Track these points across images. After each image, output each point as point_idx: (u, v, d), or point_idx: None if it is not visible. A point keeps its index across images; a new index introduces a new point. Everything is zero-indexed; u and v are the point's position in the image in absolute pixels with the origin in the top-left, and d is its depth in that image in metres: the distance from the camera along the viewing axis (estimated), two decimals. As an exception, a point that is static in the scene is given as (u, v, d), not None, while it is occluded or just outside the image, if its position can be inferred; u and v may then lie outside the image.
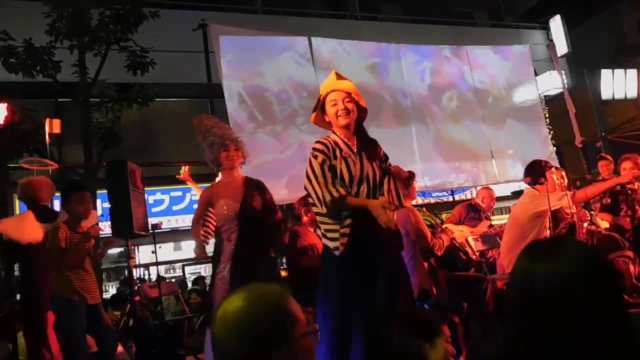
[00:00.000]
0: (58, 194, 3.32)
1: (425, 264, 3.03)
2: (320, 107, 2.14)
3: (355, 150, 2.05)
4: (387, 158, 2.16)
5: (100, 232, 3.49)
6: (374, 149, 2.09)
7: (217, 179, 2.84)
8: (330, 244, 1.99)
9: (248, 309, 0.75)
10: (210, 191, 2.68)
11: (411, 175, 2.17)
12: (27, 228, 2.69)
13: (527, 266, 0.81)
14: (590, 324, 0.72)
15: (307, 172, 2.03)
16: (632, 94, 9.76)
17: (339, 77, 2.15)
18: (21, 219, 2.85)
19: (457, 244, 3.76)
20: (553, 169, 3.25)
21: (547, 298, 0.74)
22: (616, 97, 9.76)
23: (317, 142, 2.08)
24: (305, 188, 2.03)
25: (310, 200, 2.06)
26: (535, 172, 3.21)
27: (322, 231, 2.04)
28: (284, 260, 4.07)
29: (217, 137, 2.64)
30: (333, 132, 2.12)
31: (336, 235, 1.96)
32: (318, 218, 2.07)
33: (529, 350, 0.73)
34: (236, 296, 0.78)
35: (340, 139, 2.08)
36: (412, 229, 2.94)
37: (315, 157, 2.01)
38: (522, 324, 0.76)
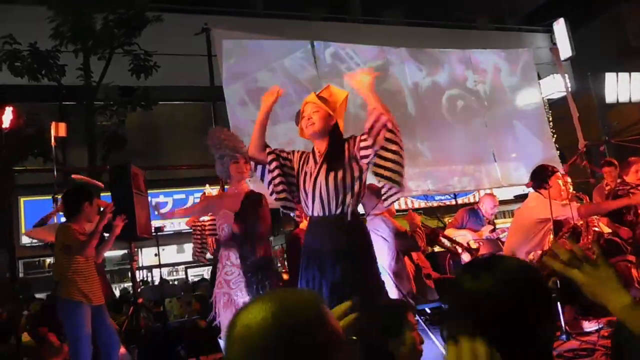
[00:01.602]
0: (59, 197, 3.36)
1: (411, 265, 3.06)
2: (301, 120, 2.20)
3: (318, 161, 2.08)
4: (355, 144, 2.07)
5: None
6: (338, 157, 2.06)
7: (209, 191, 2.87)
8: None
9: (277, 325, 0.58)
10: (217, 199, 2.80)
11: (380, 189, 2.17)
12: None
13: (466, 282, 0.81)
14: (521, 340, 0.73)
15: None
16: (636, 97, 9.73)
17: (328, 88, 2.19)
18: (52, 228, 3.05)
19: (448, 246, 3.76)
20: (559, 174, 3.22)
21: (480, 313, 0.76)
22: (620, 100, 9.73)
23: (300, 150, 2.22)
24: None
25: None
26: (539, 177, 3.20)
27: None
28: (285, 264, 4.08)
29: (228, 149, 2.68)
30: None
31: None
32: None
33: None
34: (260, 307, 0.60)
35: (314, 150, 2.14)
36: (388, 234, 3.00)
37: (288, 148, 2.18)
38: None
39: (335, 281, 1.94)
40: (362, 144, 2.02)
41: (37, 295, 6.21)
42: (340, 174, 2.02)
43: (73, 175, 3.37)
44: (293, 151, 2.22)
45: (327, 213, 2.02)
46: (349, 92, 2.21)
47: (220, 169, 2.71)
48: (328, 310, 0.65)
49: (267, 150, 2.17)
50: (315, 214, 2.06)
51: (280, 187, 2.14)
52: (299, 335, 0.59)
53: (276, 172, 2.14)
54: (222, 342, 2.71)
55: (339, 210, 2.01)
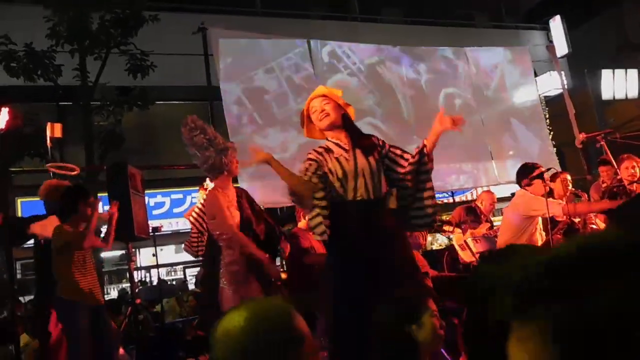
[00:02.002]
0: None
1: None
2: (307, 120, 2.20)
3: (347, 148, 2.08)
4: (384, 147, 2.15)
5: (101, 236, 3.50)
6: (368, 143, 2.12)
7: (211, 185, 2.85)
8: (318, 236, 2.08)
9: (250, 328, 0.71)
10: (223, 197, 2.70)
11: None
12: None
13: (481, 272, 0.82)
14: None
15: None
16: (632, 93, 9.75)
17: (321, 89, 2.22)
18: (50, 221, 2.99)
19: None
20: (542, 169, 3.25)
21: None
22: (617, 97, 9.75)
23: (310, 152, 2.14)
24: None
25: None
26: (522, 175, 3.26)
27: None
28: (284, 262, 4.08)
29: (223, 143, 2.67)
30: (327, 139, 2.17)
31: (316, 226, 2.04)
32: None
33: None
34: (237, 314, 0.74)
35: (332, 142, 2.13)
36: None
37: (306, 162, 2.08)
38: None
39: (391, 265, 1.96)
40: (396, 155, 2.11)
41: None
42: (376, 155, 2.09)
43: (47, 165, 3.35)
44: (310, 161, 2.12)
45: (371, 196, 2.03)
46: (342, 91, 2.23)
47: (218, 162, 2.64)
48: (295, 313, 0.76)
49: (310, 179, 2.06)
50: (359, 197, 2.03)
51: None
52: (268, 336, 0.71)
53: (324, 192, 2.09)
54: None
55: (380, 193, 2.04)
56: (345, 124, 2.13)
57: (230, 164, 2.67)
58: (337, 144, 2.11)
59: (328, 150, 2.11)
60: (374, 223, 2.00)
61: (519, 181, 3.29)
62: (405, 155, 2.12)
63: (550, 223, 3.19)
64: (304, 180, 2.03)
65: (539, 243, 3.17)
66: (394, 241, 2.03)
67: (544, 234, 3.28)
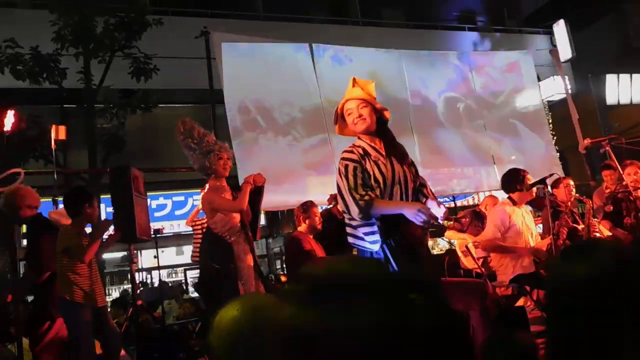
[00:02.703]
0: (62, 199, 3.37)
1: None
2: (340, 118, 2.18)
3: (383, 153, 2.06)
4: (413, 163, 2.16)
5: (104, 238, 3.53)
6: (402, 152, 2.11)
7: (207, 186, 2.86)
8: (371, 247, 2.00)
9: (240, 318, 0.77)
10: (223, 197, 2.73)
11: None
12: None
13: (561, 270, 0.81)
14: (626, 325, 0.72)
15: (337, 182, 2.05)
16: (638, 98, 9.71)
17: (355, 83, 2.16)
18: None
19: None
20: (528, 176, 3.27)
21: (579, 300, 0.74)
22: (621, 102, 9.72)
23: (345, 151, 2.09)
24: (340, 197, 2.04)
25: (341, 209, 2.09)
26: (510, 180, 3.31)
27: (361, 234, 2.02)
28: (284, 265, 4.08)
29: (212, 144, 2.69)
30: (359, 137, 2.14)
31: (376, 237, 1.98)
32: (350, 226, 2.05)
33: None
34: (232, 306, 0.79)
35: (367, 143, 2.09)
36: None
37: (346, 166, 2.02)
38: (561, 329, 0.75)
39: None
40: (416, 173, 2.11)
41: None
42: (409, 163, 2.08)
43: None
44: (352, 160, 2.07)
45: (408, 199, 2.04)
46: (374, 82, 2.20)
47: (206, 164, 2.67)
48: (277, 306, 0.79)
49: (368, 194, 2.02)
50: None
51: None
52: (255, 326, 0.75)
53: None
54: None
55: (416, 197, 2.05)
56: (380, 129, 2.10)
57: (214, 166, 2.66)
58: (373, 147, 2.08)
59: (365, 151, 2.07)
60: (412, 232, 1.99)
61: (505, 188, 3.36)
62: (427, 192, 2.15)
63: (554, 226, 3.17)
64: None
65: (527, 247, 3.19)
66: (426, 247, 2.07)
67: (535, 235, 3.29)
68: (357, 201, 1.93)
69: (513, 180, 3.25)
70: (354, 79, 2.17)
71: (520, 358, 1.13)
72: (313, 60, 5.51)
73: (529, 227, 3.25)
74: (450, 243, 4.04)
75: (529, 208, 3.51)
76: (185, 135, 2.70)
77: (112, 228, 3.12)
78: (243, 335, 0.75)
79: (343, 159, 2.05)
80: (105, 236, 3.14)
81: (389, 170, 2.02)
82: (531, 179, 3.27)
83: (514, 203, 3.24)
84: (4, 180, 3.50)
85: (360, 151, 2.05)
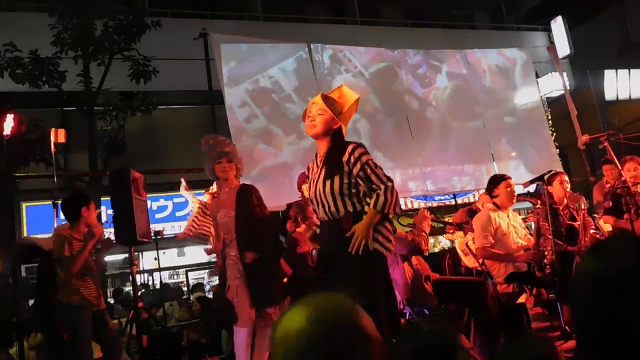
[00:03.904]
0: (59, 202, 3.38)
1: (410, 270, 3.04)
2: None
3: (319, 164, 2.11)
4: (358, 162, 2.01)
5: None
6: (335, 162, 2.04)
7: (211, 190, 2.94)
8: (388, 246, 2.04)
9: (312, 329, 0.64)
10: (213, 203, 2.87)
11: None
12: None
13: (586, 266, 0.80)
14: None
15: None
16: (636, 94, 9.71)
17: (339, 89, 2.18)
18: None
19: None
20: (509, 181, 3.33)
21: (605, 295, 0.74)
22: (620, 97, 9.72)
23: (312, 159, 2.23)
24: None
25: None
26: (489, 185, 3.40)
27: (386, 235, 2.03)
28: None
29: (214, 151, 2.81)
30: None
31: (391, 237, 2.05)
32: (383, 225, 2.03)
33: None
34: (297, 314, 0.66)
35: (317, 153, 2.17)
36: None
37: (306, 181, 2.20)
38: (588, 325, 0.74)
39: (334, 285, 1.95)
40: (367, 175, 2.01)
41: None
42: (337, 179, 2.01)
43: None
44: (304, 177, 2.31)
45: (330, 217, 2.05)
46: (359, 96, 2.20)
47: (208, 170, 2.85)
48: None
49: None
50: (321, 218, 2.13)
51: None
52: (332, 337, 0.64)
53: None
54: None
55: (339, 214, 2.03)
56: (332, 137, 2.09)
57: (211, 170, 2.82)
58: (316, 158, 2.16)
59: (312, 167, 2.19)
60: (332, 244, 2.05)
61: (488, 193, 3.43)
62: (374, 183, 2.01)
63: (554, 225, 3.18)
64: None
65: (516, 246, 3.24)
66: (351, 260, 1.97)
67: (523, 234, 3.32)
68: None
69: (492, 186, 3.34)
70: (341, 87, 2.19)
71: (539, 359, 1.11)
72: (312, 60, 5.52)
73: (515, 227, 3.31)
74: (451, 242, 4.04)
75: (527, 205, 3.54)
76: (208, 147, 2.85)
77: (112, 232, 3.13)
78: (317, 347, 0.63)
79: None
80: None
81: (312, 190, 2.11)
82: (513, 184, 3.34)
83: (498, 207, 3.29)
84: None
85: (312, 164, 2.19)
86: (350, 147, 2.03)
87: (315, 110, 2.10)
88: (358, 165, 1.99)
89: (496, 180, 3.36)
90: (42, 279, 3.22)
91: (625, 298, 0.73)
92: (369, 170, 1.99)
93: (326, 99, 2.10)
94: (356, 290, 1.92)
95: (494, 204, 3.33)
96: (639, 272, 0.75)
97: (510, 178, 3.38)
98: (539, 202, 3.56)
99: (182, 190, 3.39)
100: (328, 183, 2.02)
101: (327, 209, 2.04)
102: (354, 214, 2.01)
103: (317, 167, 2.11)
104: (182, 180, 3.29)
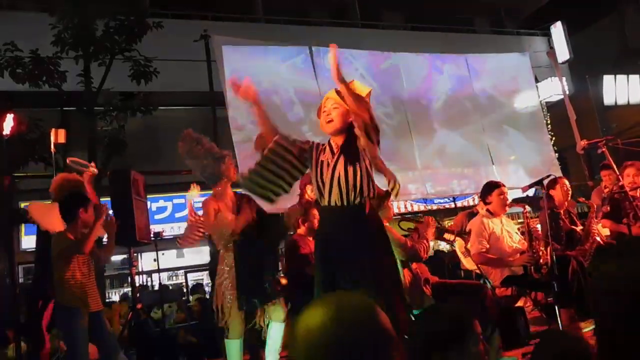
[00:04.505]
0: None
1: (409, 274, 3.05)
2: (320, 114, 2.22)
3: (336, 153, 2.09)
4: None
5: (104, 240, 3.53)
6: (354, 152, 2.09)
7: (214, 191, 2.91)
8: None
9: (334, 328, 0.65)
10: (215, 203, 2.81)
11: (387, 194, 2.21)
12: (53, 219, 2.84)
13: (606, 268, 0.80)
14: None
15: None
16: (635, 99, 9.75)
17: (352, 83, 2.15)
18: (51, 207, 2.99)
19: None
20: (502, 189, 3.38)
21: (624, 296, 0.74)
22: (619, 102, 9.75)
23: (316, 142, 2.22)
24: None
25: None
26: (482, 192, 3.45)
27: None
28: (284, 268, 4.09)
29: (220, 152, 2.82)
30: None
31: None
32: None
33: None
34: (319, 312, 0.67)
35: (330, 144, 2.15)
36: None
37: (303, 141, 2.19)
38: (611, 325, 0.75)
39: (355, 271, 1.95)
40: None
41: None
42: (357, 165, 2.05)
43: (68, 160, 3.39)
44: (308, 141, 2.23)
45: (345, 202, 2.03)
46: (371, 89, 2.21)
47: (216, 171, 2.79)
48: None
49: (275, 138, 2.15)
50: (333, 203, 2.06)
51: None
52: (353, 335, 0.65)
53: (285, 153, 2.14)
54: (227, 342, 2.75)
55: (357, 201, 2.03)
56: (349, 131, 2.11)
57: (227, 171, 2.80)
58: (330, 147, 2.13)
59: (324, 150, 2.14)
60: (347, 229, 2.03)
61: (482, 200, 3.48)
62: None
63: (555, 229, 3.20)
64: (272, 134, 2.12)
65: (510, 250, 3.26)
66: (372, 248, 2.02)
67: (517, 239, 3.35)
68: None
69: (485, 194, 3.39)
70: (352, 82, 2.17)
71: (571, 354, 1.11)
72: (313, 63, 5.53)
73: (509, 232, 3.36)
74: (451, 245, 4.05)
75: (524, 210, 3.57)
76: (195, 144, 2.79)
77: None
78: (338, 347, 0.64)
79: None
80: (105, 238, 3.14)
81: (329, 173, 2.06)
82: (506, 191, 3.38)
83: (492, 214, 3.32)
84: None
85: (319, 147, 2.16)
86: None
87: (330, 105, 2.11)
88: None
89: (490, 188, 3.40)
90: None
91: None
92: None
93: (339, 92, 2.11)
94: (375, 277, 1.94)
95: (487, 210, 3.36)
96: None
97: (503, 185, 3.43)
98: (526, 206, 3.59)
99: (193, 195, 3.40)
100: (350, 169, 2.03)
101: (344, 193, 2.02)
102: (371, 202, 2.06)
103: (333, 153, 2.09)
104: (193, 187, 3.31)
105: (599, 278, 0.83)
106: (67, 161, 3.42)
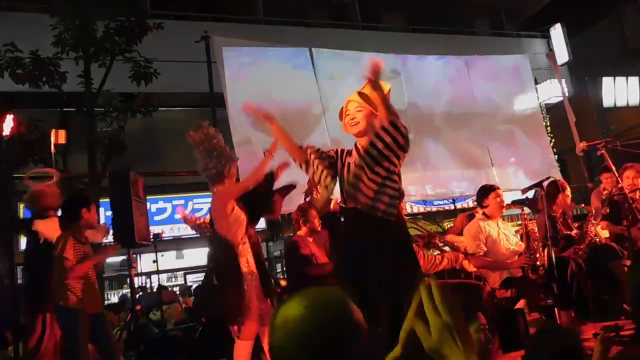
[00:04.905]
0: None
1: None
2: (344, 116, 2.23)
3: (362, 154, 2.11)
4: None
5: (103, 241, 3.54)
6: (377, 153, 2.09)
7: (219, 189, 2.89)
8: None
9: (310, 316, 0.71)
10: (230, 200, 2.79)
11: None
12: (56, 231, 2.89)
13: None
14: None
15: None
16: (634, 101, 9.77)
17: (367, 85, 2.15)
18: (53, 221, 3.05)
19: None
20: (498, 191, 3.39)
21: None
22: (618, 104, 9.77)
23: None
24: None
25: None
26: (478, 196, 3.46)
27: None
28: (284, 269, 4.09)
29: (230, 154, 2.83)
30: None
31: None
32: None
33: None
34: (296, 302, 0.73)
35: (356, 146, 2.17)
36: None
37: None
38: None
39: (381, 271, 1.96)
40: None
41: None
42: (383, 164, 2.07)
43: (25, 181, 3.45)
44: (333, 149, 2.30)
45: (359, 205, 2.06)
46: (391, 85, 2.21)
47: (226, 169, 2.74)
48: (352, 304, 0.77)
49: (306, 150, 2.24)
50: (359, 206, 2.07)
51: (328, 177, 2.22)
52: (327, 324, 0.71)
53: (319, 164, 2.23)
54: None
55: (371, 201, 2.05)
56: (373, 132, 2.12)
57: (230, 175, 2.78)
58: (357, 149, 2.15)
59: (349, 153, 2.17)
60: (364, 230, 2.04)
61: (478, 204, 3.49)
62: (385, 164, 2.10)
63: (552, 230, 3.20)
64: (300, 149, 2.19)
65: (507, 252, 3.28)
66: (384, 243, 2.03)
67: (514, 241, 3.35)
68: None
69: (482, 197, 3.40)
70: (370, 80, 2.11)
71: (564, 350, 1.15)
72: (313, 65, 5.53)
73: (506, 235, 3.37)
74: (448, 245, 4.06)
75: (522, 211, 3.58)
76: (212, 139, 2.76)
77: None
78: (311, 335, 0.70)
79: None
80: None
81: (352, 173, 2.10)
82: (502, 194, 3.41)
83: (488, 217, 3.33)
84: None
85: (345, 151, 2.20)
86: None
87: (354, 108, 2.12)
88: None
89: (486, 191, 3.41)
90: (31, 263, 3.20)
91: None
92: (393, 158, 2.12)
93: (362, 94, 2.14)
94: (399, 278, 1.95)
95: (484, 213, 3.37)
96: None
97: (499, 188, 3.45)
98: (525, 208, 3.60)
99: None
100: (377, 169, 2.06)
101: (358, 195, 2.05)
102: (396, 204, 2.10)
103: (360, 156, 2.11)
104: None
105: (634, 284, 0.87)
106: (25, 182, 3.46)
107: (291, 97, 5.37)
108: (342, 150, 2.23)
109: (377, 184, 2.05)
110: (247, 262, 2.68)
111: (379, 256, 1.99)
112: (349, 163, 2.13)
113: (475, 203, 3.56)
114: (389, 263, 1.98)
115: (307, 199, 3.61)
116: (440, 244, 3.45)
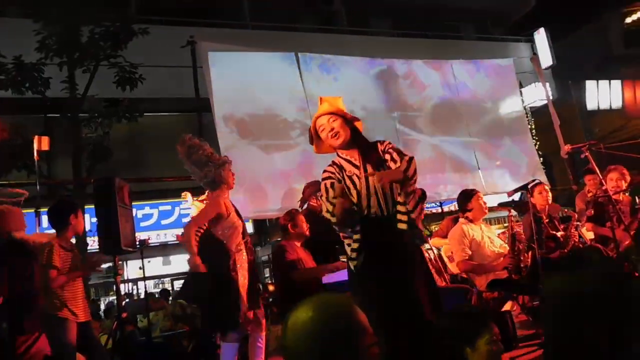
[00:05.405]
0: (45, 210, 3.32)
1: None
2: (315, 137, 2.19)
3: (359, 165, 2.08)
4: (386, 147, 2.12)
5: (88, 248, 3.50)
6: (377, 157, 2.09)
7: (213, 196, 2.93)
8: (350, 262, 2.04)
9: (318, 319, 0.79)
10: (223, 206, 2.84)
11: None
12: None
13: (552, 282, 0.89)
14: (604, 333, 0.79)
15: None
16: (616, 104, 9.98)
17: (322, 101, 2.18)
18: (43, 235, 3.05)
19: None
20: (479, 194, 3.47)
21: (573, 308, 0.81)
22: (601, 107, 9.97)
23: (324, 171, 2.14)
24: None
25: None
26: (460, 201, 3.52)
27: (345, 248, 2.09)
28: (272, 274, 4.06)
29: (220, 158, 2.89)
30: (337, 154, 2.16)
31: (350, 252, 2.02)
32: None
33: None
34: (305, 306, 0.82)
35: (343, 158, 2.12)
36: None
37: (325, 185, 2.06)
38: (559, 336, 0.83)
39: (401, 279, 1.94)
40: (389, 158, 2.07)
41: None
42: (382, 170, 2.05)
43: None
44: (330, 178, 2.13)
45: (384, 212, 2.03)
46: (342, 96, 2.22)
47: (218, 176, 2.82)
48: (356, 308, 0.84)
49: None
50: (373, 214, 2.04)
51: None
52: (333, 326, 0.79)
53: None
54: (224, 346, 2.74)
55: (394, 208, 2.03)
56: (356, 139, 2.11)
57: (228, 178, 2.84)
58: (348, 161, 2.10)
59: (340, 167, 2.10)
60: (389, 238, 2.00)
61: (460, 209, 3.55)
62: (395, 157, 2.07)
63: (537, 234, 3.24)
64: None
65: (492, 255, 3.32)
66: (408, 254, 2.02)
67: (498, 244, 3.39)
68: (329, 212, 1.97)
69: (464, 201, 3.44)
70: (321, 98, 2.19)
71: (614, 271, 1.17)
72: (299, 69, 5.55)
73: (490, 237, 3.42)
74: (438, 249, 4.09)
75: (509, 213, 3.62)
76: (196, 149, 2.82)
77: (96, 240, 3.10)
78: (321, 337, 0.77)
79: (323, 178, 2.10)
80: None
81: (362, 183, 2.04)
82: (482, 197, 3.46)
83: (470, 221, 3.36)
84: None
85: (336, 169, 2.10)
86: (378, 144, 2.14)
87: (327, 121, 2.09)
88: (385, 145, 2.12)
89: (467, 196, 3.47)
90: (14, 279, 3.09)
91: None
92: (395, 154, 2.07)
93: (325, 104, 2.14)
94: (414, 285, 1.95)
95: (466, 217, 3.39)
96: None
97: (479, 192, 3.53)
98: (511, 210, 3.65)
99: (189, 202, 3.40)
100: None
101: (382, 202, 2.02)
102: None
103: (357, 166, 2.08)
104: (188, 195, 3.31)
105: (548, 292, 0.89)
106: None
107: (277, 102, 5.37)
108: (335, 169, 2.12)
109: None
110: (242, 271, 2.71)
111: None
112: (349, 176, 2.06)
113: (457, 208, 3.60)
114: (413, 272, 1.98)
115: (304, 207, 3.63)
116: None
